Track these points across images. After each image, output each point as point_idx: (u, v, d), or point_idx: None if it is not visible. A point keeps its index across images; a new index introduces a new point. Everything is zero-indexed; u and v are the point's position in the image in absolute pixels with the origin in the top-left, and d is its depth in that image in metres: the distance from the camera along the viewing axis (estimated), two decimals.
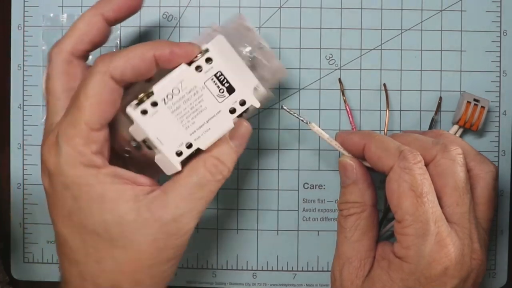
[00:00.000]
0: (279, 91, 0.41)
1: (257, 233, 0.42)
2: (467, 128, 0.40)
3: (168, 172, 0.33)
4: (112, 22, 0.34)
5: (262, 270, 0.42)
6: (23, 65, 0.41)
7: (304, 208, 0.41)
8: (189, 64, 0.31)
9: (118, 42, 0.41)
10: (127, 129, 0.32)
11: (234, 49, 0.33)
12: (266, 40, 0.36)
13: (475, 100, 0.39)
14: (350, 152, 0.36)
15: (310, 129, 0.37)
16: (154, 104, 0.31)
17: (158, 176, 0.34)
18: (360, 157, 0.36)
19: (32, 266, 0.42)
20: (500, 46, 0.41)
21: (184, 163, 0.32)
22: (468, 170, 0.34)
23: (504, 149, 0.41)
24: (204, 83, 0.32)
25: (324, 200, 0.41)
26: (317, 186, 0.41)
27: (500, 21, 0.41)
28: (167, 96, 0.31)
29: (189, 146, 0.32)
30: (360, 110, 0.41)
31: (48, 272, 0.42)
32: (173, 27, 0.41)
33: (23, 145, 0.42)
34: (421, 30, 0.41)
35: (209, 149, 0.32)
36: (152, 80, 0.32)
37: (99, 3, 0.33)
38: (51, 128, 0.31)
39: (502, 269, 0.41)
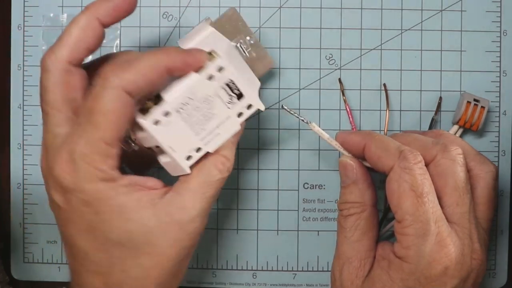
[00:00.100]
0: (279, 91, 0.41)
1: (257, 233, 0.42)
2: (467, 128, 0.40)
3: (174, 173, 0.33)
4: (108, 25, 0.32)
5: (262, 270, 0.42)
6: (23, 65, 0.41)
7: (304, 208, 0.41)
8: (198, 71, 0.32)
9: (118, 42, 0.41)
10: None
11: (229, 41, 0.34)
12: (260, 35, 0.36)
13: (475, 100, 0.39)
14: (350, 152, 0.36)
15: (310, 129, 0.37)
16: (167, 113, 0.31)
17: (148, 168, 0.34)
18: (360, 157, 0.36)
19: (32, 266, 0.42)
20: (500, 46, 0.41)
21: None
22: (468, 170, 0.34)
23: (504, 149, 0.41)
24: (216, 91, 0.32)
25: (324, 200, 0.41)
26: (317, 186, 0.41)
27: (500, 21, 0.41)
28: (180, 106, 0.31)
29: (198, 150, 0.32)
30: (360, 110, 0.41)
31: (48, 272, 0.42)
32: (173, 27, 0.41)
33: (23, 145, 0.42)
34: (421, 30, 0.41)
35: None
36: None
37: (93, 5, 0.32)
38: (56, 142, 0.31)
39: (502, 269, 0.41)
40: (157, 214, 0.31)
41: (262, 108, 0.33)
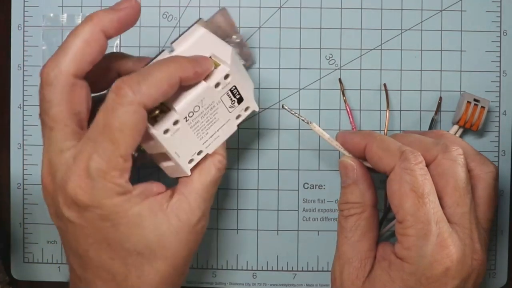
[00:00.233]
0: (279, 91, 0.41)
1: (257, 233, 0.42)
2: (467, 128, 0.40)
3: (174, 176, 0.34)
4: (111, 37, 0.32)
5: (262, 270, 0.42)
6: (23, 65, 0.41)
7: (304, 208, 0.41)
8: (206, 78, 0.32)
9: (118, 42, 0.41)
10: None
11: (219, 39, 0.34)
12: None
13: (475, 100, 0.39)
14: (350, 152, 0.36)
15: (310, 129, 0.37)
16: (175, 122, 0.31)
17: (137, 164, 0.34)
18: (360, 157, 0.36)
19: (32, 266, 0.42)
20: (500, 46, 0.41)
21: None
22: (469, 171, 0.34)
23: (504, 149, 0.41)
24: (221, 98, 0.32)
25: (324, 200, 0.41)
26: (317, 186, 0.41)
27: (500, 21, 0.41)
28: (188, 114, 0.31)
29: (200, 152, 0.33)
30: (360, 110, 0.41)
31: (48, 272, 0.42)
32: (173, 27, 0.41)
33: (23, 145, 0.42)
34: (421, 30, 0.41)
35: None
36: None
37: (97, 16, 0.31)
38: (64, 157, 0.30)
39: (502, 269, 0.41)
40: (168, 219, 0.31)
41: (257, 109, 0.34)
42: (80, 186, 0.30)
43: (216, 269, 0.42)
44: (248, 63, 0.40)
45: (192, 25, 0.33)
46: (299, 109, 0.41)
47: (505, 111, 0.41)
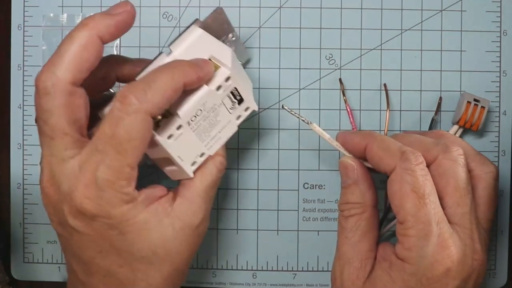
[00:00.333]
0: (279, 91, 0.41)
1: (257, 233, 0.42)
2: (467, 128, 0.40)
3: (176, 178, 0.34)
4: (108, 42, 0.31)
5: (262, 270, 0.42)
6: (23, 65, 0.41)
7: (304, 208, 0.41)
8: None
9: (118, 42, 0.41)
10: None
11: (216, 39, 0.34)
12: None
13: (475, 100, 0.39)
14: (351, 152, 0.36)
15: (310, 129, 0.37)
16: (179, 127, 0.31)
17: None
18: (360, 157, 0.36)
19: (32, 266, 0.42)
20: (500, 46, 0.41)
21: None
22: (469, 171, 0.34)
23: (504, 149, 0.41)
24: (222, 100, 0.33)
25: (324, 200, 0.41)
26: (317, 186, 0.41)
27: (500, 21, 0.41)
28: (191, 119, 0.32)
29: (202, 155, 0.33)
30: (360, 110, 0.41)
31: (48, 272, 0.42)
32: (173, 27, 0.41)
33: (23, 145, 0.41)
34: (421, 30, 0.41)
35: None
36: None
37: (93, 21, 0.30)
38: (67, 167, 0.30)
39: (502, 269, 0.41)
40: (172, 223, 0.32)
41: (256, 109, 0.35)
42: (87, 196, 0.29)
43: (216, 269, 0.42)
44: (244, 60, 0.40)
45: (189, 26, 0.33)
46: (299, 109, 0.41)
47: (505, 111, 0.41)
